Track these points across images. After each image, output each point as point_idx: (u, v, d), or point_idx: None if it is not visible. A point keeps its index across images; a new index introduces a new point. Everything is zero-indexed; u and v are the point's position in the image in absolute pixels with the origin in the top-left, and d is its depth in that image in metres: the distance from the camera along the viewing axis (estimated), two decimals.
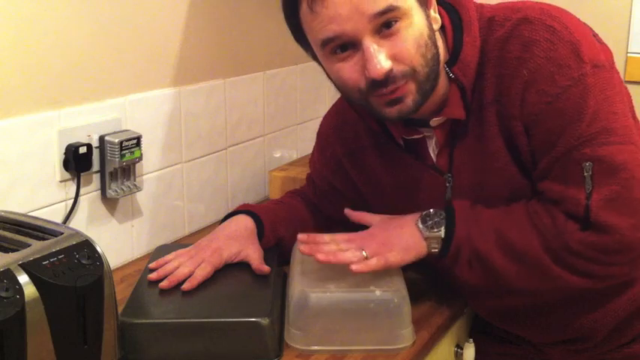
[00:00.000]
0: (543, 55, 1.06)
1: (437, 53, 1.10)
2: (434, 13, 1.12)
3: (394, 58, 1.05)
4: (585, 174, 1.06)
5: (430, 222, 1.17)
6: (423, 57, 1.07)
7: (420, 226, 1.18)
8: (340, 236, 1.22)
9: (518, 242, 1.12)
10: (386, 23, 1.04)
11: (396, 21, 1.04)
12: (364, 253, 1.17)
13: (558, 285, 1.13)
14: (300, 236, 1.24)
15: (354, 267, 1.14)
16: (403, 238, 1.19)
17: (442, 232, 1.17)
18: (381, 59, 1.04)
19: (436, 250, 1.18)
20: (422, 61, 1.07)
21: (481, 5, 1.16)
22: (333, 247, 1.20)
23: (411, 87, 1.08)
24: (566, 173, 1.08)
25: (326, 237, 1.22)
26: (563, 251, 1.09)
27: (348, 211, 1.30)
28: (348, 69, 1.08)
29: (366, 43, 1.04)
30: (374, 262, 1.16)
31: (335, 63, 1.09)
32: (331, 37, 1.06)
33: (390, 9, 1.03)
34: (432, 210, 1.18)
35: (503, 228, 1.13)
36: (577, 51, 1.06)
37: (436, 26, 1.11)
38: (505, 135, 1.12)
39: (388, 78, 1.06)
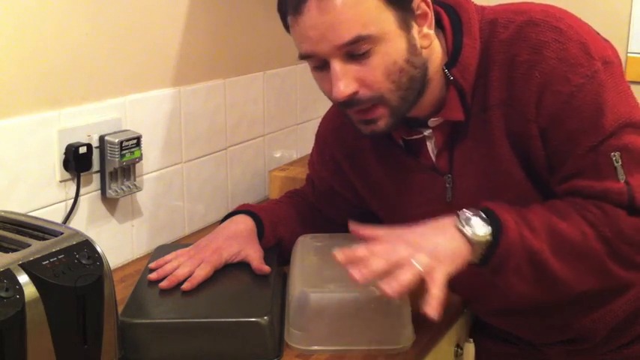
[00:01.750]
0: (555, 57, 1.06)
1: (420, 72, 1.09)
2: (427, 29, 1.09)
3: (361, 82, 1.06)
4: (616, 164, 1.06)
5: (472, 222, 1.05)
6: (394, 83, 1.07)
7: (465, 229, 1.04)
8: (378, 248, 1.05)
9: (573, 237, 1.06)
10: (356, 49, 1.05)
11: (367, 45, 1.04)
12: (418, 265, 1.00)
13: (612, 282, 1.11)
14: (338, 256, 1.04)
15: (429, 311, 0.98)
16: (449, 244, 1.04)
17: (489, 235, 1.04)
18: (342, 84, 1.05)
19: (482, 254, 1.05)
20: (392, 87, 1.07)
21: (482, 7, 1.16)
22: (381, 265, 1.01)
23: (382, 111, 1.09)
24: (598, 168, 1.08)
25: (364, 251, 1.04)
26: (617, 239, 1.06)
27: (353, 227, 1.11)
28: (324, 82, 1.10)
29: (333, 64, 1.06)
30: (436, 289, 0.99)
31: (314, 73, 1.12)
32: (304, 54, 1.09)
33: (358, 39, 1.03)
34: (466, 211, 1.06)
35: (554, 223, 1.07)
36: (586, 49, 1.07)
37: (427, 43, 1.10)
38: (512, 138, 1.12)
39: (353, 100, 1.07)
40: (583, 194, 1.09)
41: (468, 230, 1.04)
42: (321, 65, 1.09)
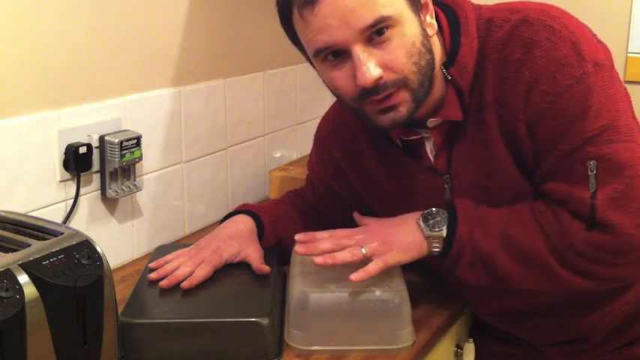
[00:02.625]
0: (544, 56, 1.06)
1: (431, 59, 1.09)
2: (430, 19, 1.11)
3: (385, 66, 1.05)
4: (589, 173, 1.06)
5: (432, 221, 1.16)
6: (415, 65, 1.06)
7: (422, 224, 1.16)
8: (339, 232, 1.21)
9: (524, 243, 1.11)
10: (376, 32, 1.04)
11: (387, 29, 1.04)
12: (363, 250, 1.15)
13: (562, 287, 1.13)
14: (298, 236, 1.21)
15: (353, 277, 1.12)
16: (403, 236, 1.17)
17: (444, 232, 1.15)
18: (369, 67, 1.04)
19: (437, 250, 1.16)
20: (414, 69, 1.07)
21: (479, 6, 1.16)
22: (328, 244, 1.18)
23: (404, 95, 1.08)
24: (570, 173, 1.08)
25: (324, 234, 1.21)
26: (568, 252, 1.09)
27: (357, 215, 1.28)
28: (340, 76, 1.08)
29: (355, 51, 1.04)
30: (372, 268, 1.14)
31: (328, 71, 1.09)
32: (322, 47, 1.06)
33: (380, 20, 1.03)
34: (433, 209, 1.17)
35: (508, 228, 1.12)
36: (578, 50, 1.06)
37: (432, 32, 1.11)
38: (506, 137, 1.12)
39: (378, 86, 1.06)
40: (549, 197, 1.11)
41: (424, 226, 1.16)
42: (337, 58, 1.07)
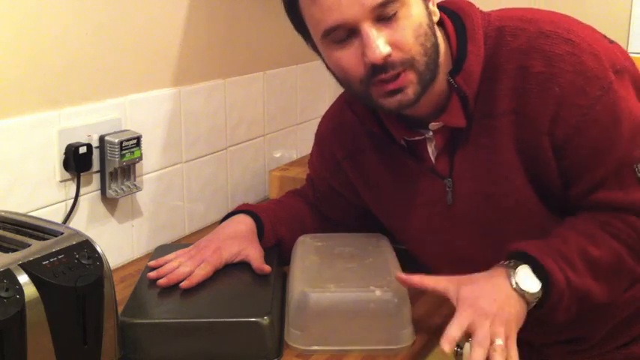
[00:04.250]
0: (572, 70, 1.07)
1: (436, 43, 1.10)
2: (432, 7, 1.12)
3: (393, 44, 1.05)
4: (639, 175, 1.09)
5: (520, 276, 1.08)
6: (422, 46, 1.07)
7: (519, 288, 1.07)
8: (459, 321, 1.08)
9: (609, 260, 1.10)
10: (386, 11, 1.04)
11: (396, 8, 1.05)
12: (500, 342, 1.04)
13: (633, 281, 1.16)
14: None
15: None
16: (512, 306, 1.07)
17: (537, 288, 1.08)
18: (379, 44, 1.04)
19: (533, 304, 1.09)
20: (421, 50, 1.07)
21: (488, 14, 1.16)
22: (479, 355, 1.06)
23: (411, 77, 1.08)
24: (621, 180, 1.09)
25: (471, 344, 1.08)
26: None
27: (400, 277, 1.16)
28: (348, 56, 1.08)
29: (365, 29, 1.04)
30: (513, 354, 1.05)
31: (335, 51, 1.09)
32: (332, 26, 1.06)
33: (390, 0, 1.04)
34: (511, 262, 1.09)
35: (589, 252, 1.10)
36: (599, 60, 1.07)
37: (435, 18, 1.12)
38: (521, 146, 1.12)
39: (387, 64, 1.05)
40: (609, 207, 1.11)
41: (523, 291, 1.07)
42: (345, 38, 1.07)
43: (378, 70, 1.06)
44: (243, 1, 1.75)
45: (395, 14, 1.05)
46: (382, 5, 1.03)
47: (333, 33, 1.07)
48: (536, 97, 1.09)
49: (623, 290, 1.17)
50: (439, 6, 1.15)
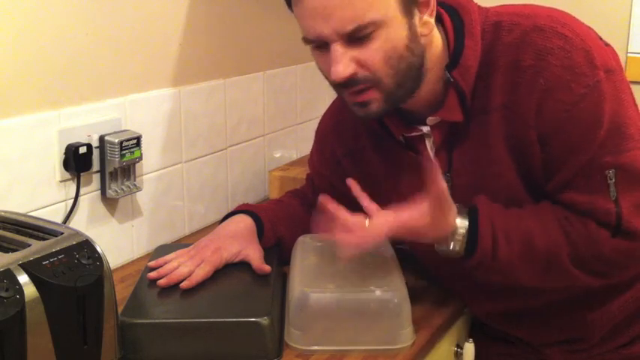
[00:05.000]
0: (559, 64, 1.06)
1: (417, 60, 1.09)
2: (427, 17, 1.10)
3: (359, 63, 1.07)
4: (609, 181, 1.07)
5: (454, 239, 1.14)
6: (392, 68, 1.07)
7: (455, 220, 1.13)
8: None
9: (546, 254, 1.11)
10: (358, 34, 1.05)
11: (370, 31, 1.05)
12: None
13: (571, 283, 1.14)
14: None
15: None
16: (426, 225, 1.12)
17: (465, 229, 1.13)
18: (341, 66, 1.06)
19: (456, 249, 1.14)
20: (390, 72, 1.07)
21: (486, 9, 1.16)
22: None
23: (376, 95, 1.09)
24: (590, 183, 1.09)
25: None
26: (592, 259, 1.10)
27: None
28: (323, 62, 1.10)
29: (332, 47, 1.06)
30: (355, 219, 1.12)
31: (315, 52, 1.12)
32: (307, 38, 1.09)
33: (360, 28, 1.04)
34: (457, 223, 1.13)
35: (533, 238, 1.11)
36: (590, 58, 1.07)
37: (427, 31, 1.10)
38: (511, 142, 1.12)
39: (351, 80, 1.08)
40: (572, 208, 1.11)
41: (455, 227, 1.12)
42: (321, 45, 1.09)
43: (342, 85, 1.09)
44: (243, 1, 1.75)
45: (370, 34, 1.05)
46: (351, 33, 1.04)
47: (310, 40, 1.09)
48: (524, 90, 1.09)
49: (555, 283, 1.16)
50: (438, 2, 1.14)
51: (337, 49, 1.06)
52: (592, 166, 1.08)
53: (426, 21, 1.10)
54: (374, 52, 1.06)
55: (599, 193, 1.08)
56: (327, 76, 1.12)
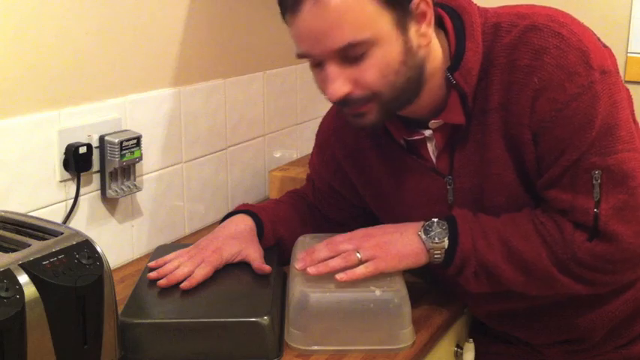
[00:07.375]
0: (554, 63, 1.06)
1: (415, 74, 1.09)
2: (425, 28, 1.09)
3: (354, 82, 1.07)
4: (594, 182, 1.07)
5: (432, 232, 1.16)
6: (388, 84, 1.07)
7: (423, 236, 1.16)
8: (337, 238, 1.20)
9: (527, 255, 1.12)
10: (351, 53, 1.05)
11: (364, 50, 1.05)
12: (358, 254, 1.16)
13: (562, 291, 1.15)
14: (299, 256, 1.21)
15: (338, 277, 1.14)
16: (401, 244, 1.17)
17: (445, 243, 1.15)
18: (336, 85, 1.07)
19: (439, 260, 1.16)
20: (386, 88, 1.08)
21: (485, 10, 1.16)
22: (324, 253, 1.17)
23: (372, 107, 1.10)
24: (575, 182, 1.09)
25: (322, 244, 1.20)
26: (570, 262, 1.10)
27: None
28: (319, 77, 1.11)
29: (327, 66, 1.07)
30: (361, 271, 1.14)
31: (313, 70, 1.12)
32: (301, 54, 1.09)
33: (350, 46, 1.04)
34: (434, 220, 1.17)
35: (510, 239, 1.13)
36: (586, 58, 1.06)
37: (425, 42, 1.09)
38: (508, 142, 1.12)
39: (346, 100, 1.08)
40: (550, 205, 1.12)
41: (425, 238, 1.16)
42: (317, 63, 1.09)
43: (338, 103, 1.10)
44: (243, 2, 1.75)
45: (363, 54, 1.05)
46: (346, 48, 1.04)
47: (303, 55, 1.10)
48: (518, 89, 1.09)
49: (547, 290, 1.16)
50: (439, 3, 1.14)
51: (333, 69, 1.06)
52: (579, 165, 1.08)
53: (424, 32, 1.09)
54: (369, 71, 1.06)
55: (582, 192, 1.08)
56: (324, 94, 1.12)
